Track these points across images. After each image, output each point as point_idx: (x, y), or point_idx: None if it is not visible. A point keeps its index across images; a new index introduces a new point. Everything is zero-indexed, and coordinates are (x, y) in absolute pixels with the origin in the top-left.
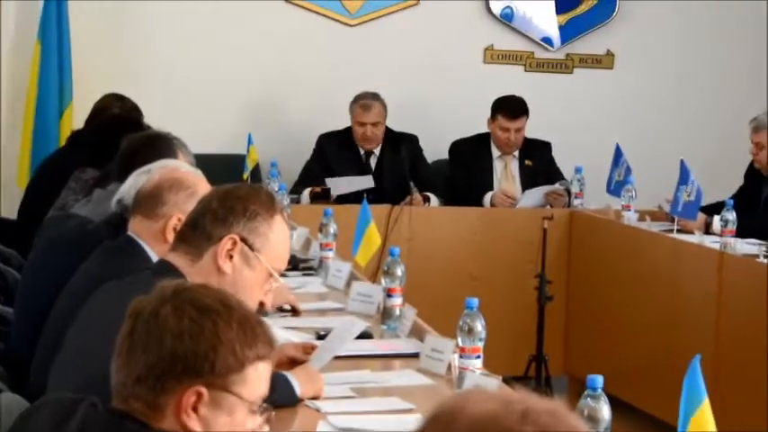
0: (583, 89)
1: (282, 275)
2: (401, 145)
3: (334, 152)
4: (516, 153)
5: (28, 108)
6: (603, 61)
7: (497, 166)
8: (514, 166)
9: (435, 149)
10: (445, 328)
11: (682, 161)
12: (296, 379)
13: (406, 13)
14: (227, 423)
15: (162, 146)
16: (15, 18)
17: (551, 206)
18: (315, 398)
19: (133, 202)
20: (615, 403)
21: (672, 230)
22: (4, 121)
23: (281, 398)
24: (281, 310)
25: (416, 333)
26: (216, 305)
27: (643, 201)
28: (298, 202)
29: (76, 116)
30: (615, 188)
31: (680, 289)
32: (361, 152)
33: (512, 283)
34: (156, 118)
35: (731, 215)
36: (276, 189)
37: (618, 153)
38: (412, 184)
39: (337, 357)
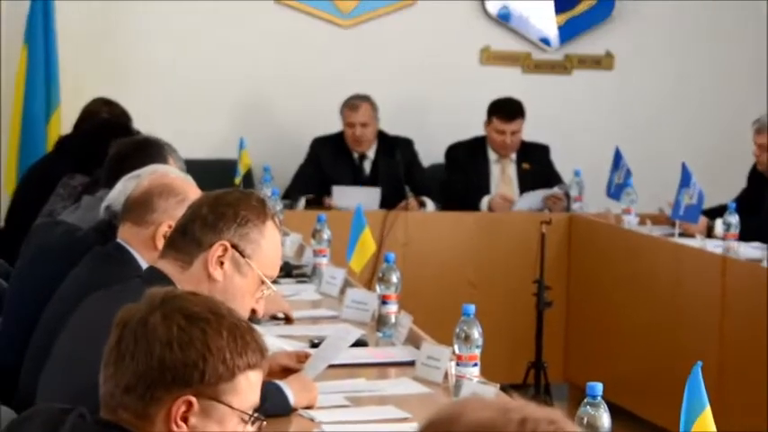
0: (581, 90)
1: (275, 282)
2: (396, 149)
3: (328, 156)
4: (514, 156)
5: (15, 112)
6: (602, 62)
7: (494, 169)
8: (512, 169)
9: (431, 153)
10: (442, 336)
11: (683, 164)
12: (289, 388)
13: (401, 14)
14: None
15: (152, 151)
16: (2, 21)
17: (550, 210)
18: (309, 407)
19: (122, 209)
20: (616, 411)
21: (673, 234)
22: None
23: (274, 407)
24: (274, 318)
25: (412, 341)
26: (205, 313)
27: (643, 204)
28: (291, 207)
29: (64, 121)
30: (615, 191)
31: (682, 294)
32: (355, 156)
33: (510, 289)
34: (145, 122)
35: (734, 218)
36: (269, 194)
37: (617, 156)
38: (407, 188)
39: (332, 366)
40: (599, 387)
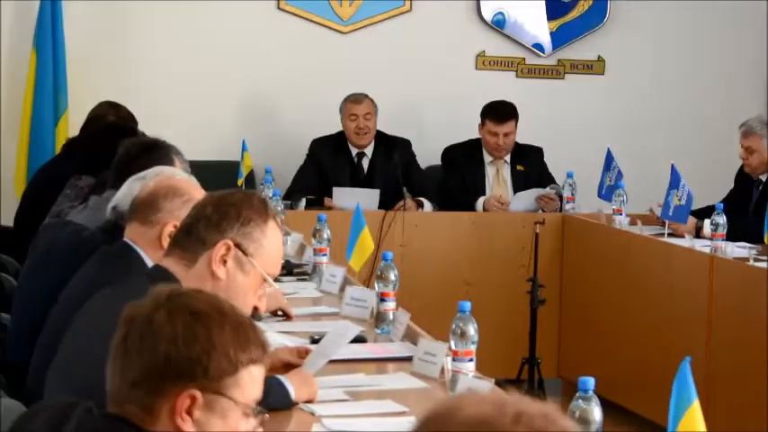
0: (574, 95)
1: (276, 280)
2: (394, 149)
3: (327, 156)
4: (508, 158)
5: (24, 116)
6: (595, 67)
7: (489, 171)
8: (506, 171)
9: (428, 155)
10: (438, 332)
11: (672, 166)
12: (290, 382)
13: (399, 20)
14: (221, 426)
15: (158, 153)
16: (11, 26)
17: (543, 210)
18: (309, 401)
19: (129, 209)
20: (608, 406)
21: (663, 234)
22: (1, 128)
23: (275, 401)
24: (275, 314)
25: (410, 337)
26: (209, 310)
27: (634, 205)
28: (292, 207)
29: (72, 124)
30: (606, 192)
31: (671, 292)
32: (353, 153)
33: (504, 287)
34: (150, 125)
35: (721, 219)
36: (270, 195)
37: (609, 157)
38: (405, 189)
39: (331, 361)
40: (591, 382)
